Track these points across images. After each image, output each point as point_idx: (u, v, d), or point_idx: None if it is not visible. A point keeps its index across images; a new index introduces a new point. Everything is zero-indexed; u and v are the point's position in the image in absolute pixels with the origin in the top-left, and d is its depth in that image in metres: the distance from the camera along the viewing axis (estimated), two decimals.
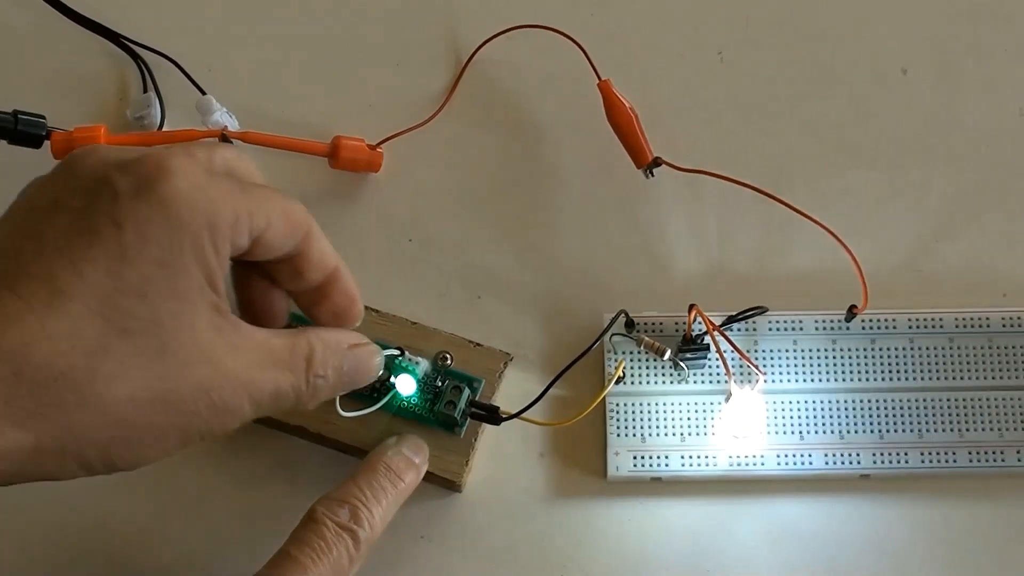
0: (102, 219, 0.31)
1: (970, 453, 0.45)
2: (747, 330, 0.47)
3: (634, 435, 0.45)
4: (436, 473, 0.44)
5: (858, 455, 0.45)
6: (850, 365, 0.46)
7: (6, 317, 0.29)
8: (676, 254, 0.49)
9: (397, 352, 0.44)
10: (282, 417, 0.45)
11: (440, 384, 0.44)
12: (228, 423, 0.33)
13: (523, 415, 0.43)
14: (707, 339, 0.45)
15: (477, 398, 0.44)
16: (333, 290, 0.38)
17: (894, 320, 0.47)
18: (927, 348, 0.46)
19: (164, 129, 0.50)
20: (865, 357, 0.46)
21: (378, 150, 0.50)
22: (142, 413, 0.31)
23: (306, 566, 0.37)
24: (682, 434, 0.45)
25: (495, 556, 0.45)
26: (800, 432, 0.45)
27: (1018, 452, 0.45)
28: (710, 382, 0.46)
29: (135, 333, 0.31)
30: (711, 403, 0.46)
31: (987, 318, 0.47)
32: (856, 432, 0.45)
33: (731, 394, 0.45)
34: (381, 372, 0.40)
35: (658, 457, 0.45)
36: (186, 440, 0.32)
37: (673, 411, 0.46)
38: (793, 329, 0.47)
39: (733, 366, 0.45)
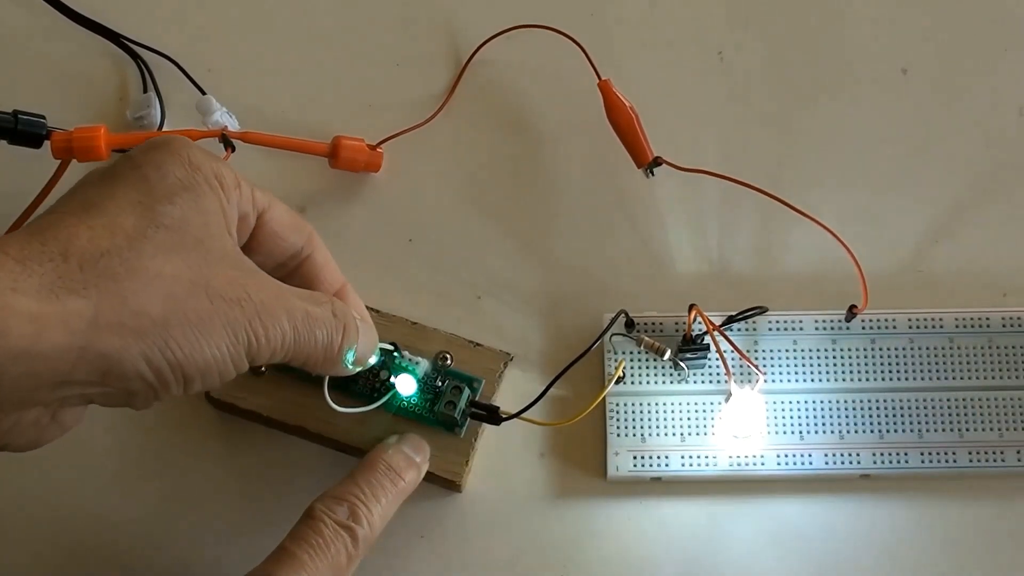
0: (121, 168, 0.34)
1: (970, 453, 0.45)
2: (747, 330, 0.47)
3: (634, 435, 0.45)
4: (436, 473, 0.44)
5: (858, 455, 0.45)
6: (850, 365, 0.46)
7: (45, 223, 0.32)
8: (676, 254, 0.49)
9: (391, 347, 0.44)
10: (283, 417, 0.45)
11: (440, 384, 0.44)
12: (270, 330, 0.34)
13: (523, 415, 0.43)
14: (707, 339, 0.45)
15: (477, 398, 0.44)
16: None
17: (894, 320, 0.47)
18: (927, 348, 0.46)
19: (164, 129, 0.50)
20: (865, 357, 0.46)
21: (378, 150, 0.50)
22: (188, 292, 0.32)
23: (303, 562, 0.37)
24: (682, 434, 0.45)
25: (495, 556, 0.45)
26: (800, 432, 0.45)
27: (1018, 452, 0.45)
28: (710, 382, 0.46)
29: (170, 228, 0.33)
30: (711, 403, 0.46)
31: (987, 318, 0.47)
32: (856, 432, 0.45)
33: (731, 394, 0.45)
34: (375, 360, 0.41)
35: (658, 457, 0.45)
36: (235, 340, 0.33)
37: (673, 411, 0.46)
38: (793, 329, 0.47)
39: (733, 366, 0.45)
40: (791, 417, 0.46)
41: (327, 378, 0.43)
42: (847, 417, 0.46)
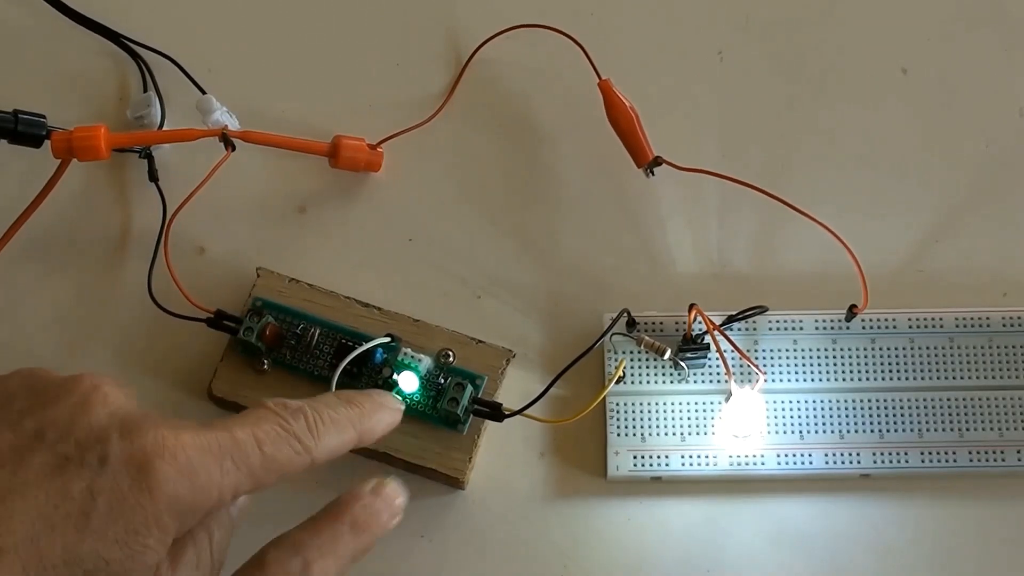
0: (79, 483, 0.30)
1: (970, 453, 0.45)
2: (747, 330, 0.47)
3: (634, 435, 0.45)
4: (440, 470, 0.44)
5: (858, 455, 0.45)
6: (850, 365, 0.46)
7: None
8: (676, 254, 0.49)
9: (388, 339, 0.44)
10: None
11: (443, 381, 0.44)
12: None
13: (525, 412, 0.43)
14: (707, 339, 0.45)
15: (480, 395, 0.44)
16: None
17: (894, 320, 0.47)
18: (927, 348, 0.46)
19: (164, 128, 0.50)
20: (865, 357, 0.46)
21: (378, 150, 0.50)
22: None
23: None
24: (682, 434, 0.45)
25: (495, 555, 0.45)
26: (800, 432, 0.45)
27: (1018, 452, 0.45)
28: (710, 382, 0.46)
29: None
30: (711, 403, 0.46)
31: (987, 318, 0.47)
32: (856, 432, 0.45)
33: (731, 394, 0.45)
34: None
35: (658, 457, 0.45)
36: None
37: (673, 411, 0.46)
38: (793, 329, 0.47)
39: (733, 366, 0.45)
40: (791, 417, 0.46)
41: (335, 383, 0.43)
42: (847, 417, 0.46)
